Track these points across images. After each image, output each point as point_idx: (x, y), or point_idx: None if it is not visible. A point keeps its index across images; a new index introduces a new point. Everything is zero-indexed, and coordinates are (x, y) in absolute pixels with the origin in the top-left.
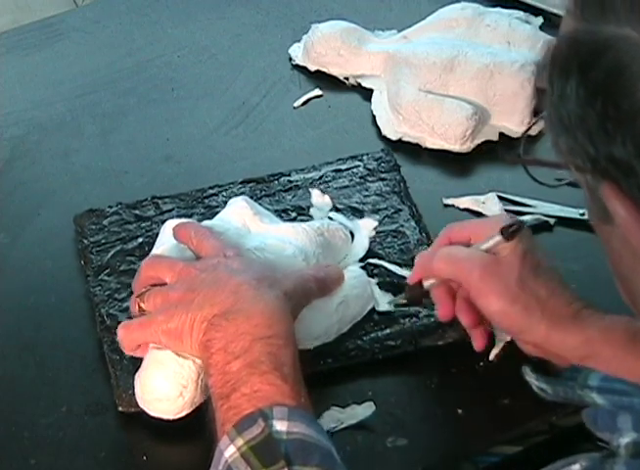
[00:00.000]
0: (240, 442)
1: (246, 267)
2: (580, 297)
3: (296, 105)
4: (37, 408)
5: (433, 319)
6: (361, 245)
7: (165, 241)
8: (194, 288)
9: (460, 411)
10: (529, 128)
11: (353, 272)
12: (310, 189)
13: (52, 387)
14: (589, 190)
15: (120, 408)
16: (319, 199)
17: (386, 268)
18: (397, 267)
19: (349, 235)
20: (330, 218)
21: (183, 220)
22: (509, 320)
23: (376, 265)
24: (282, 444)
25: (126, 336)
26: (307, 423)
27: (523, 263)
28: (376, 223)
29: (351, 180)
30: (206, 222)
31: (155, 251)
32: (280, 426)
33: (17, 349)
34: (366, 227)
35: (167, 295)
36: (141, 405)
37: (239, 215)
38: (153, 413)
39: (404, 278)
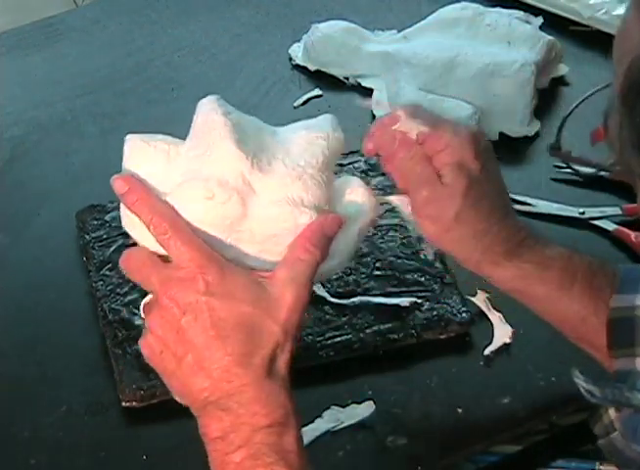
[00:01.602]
0: None
1: (230, 313)
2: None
3: (295, 105)
4: (37, 408)
5: (435, 313)
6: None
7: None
8: (177, 343)
9: (460, 411)
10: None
11: (356, 192)
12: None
13: (52, 387)
14: None
15: (124, 404)
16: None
17: (375, 303)
18: (384, 298)
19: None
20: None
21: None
22: (441, 244)
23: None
24: None
25: None
26: None
27: (466, 196)
28: None
29: (353, 175)
30: (194, 185)
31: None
32: None
33: (17, 348)
34: None
35: (150, 324)
36: None
37: (235, 170)
38: None
39: (397, 306)
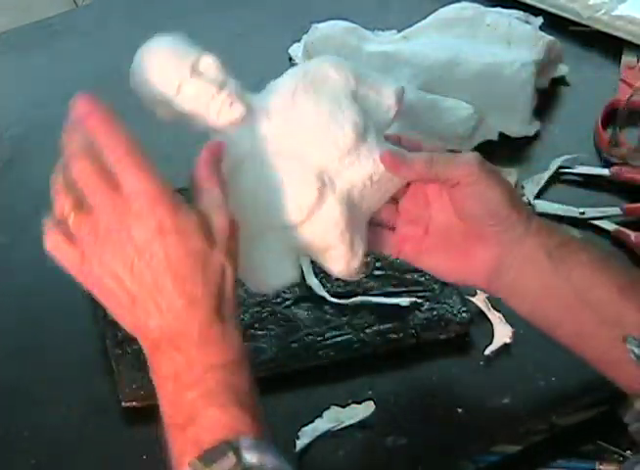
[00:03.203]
0: None
1: (185, 251)
2: None
3: None
4: (37, 408)
5: (435, 313)
6: None
7: None
8: (132, 281)
9: (460, 411)
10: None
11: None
12: None
13: (52, 387)
14: None
15: (124, 404)
16: None
17: (375, 303)
18: (384, 298)
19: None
20: None
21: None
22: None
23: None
24: None
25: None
26: (275, 455)
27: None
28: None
29: None
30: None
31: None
32: (251, 458)
33: (17, 348)
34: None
35: (102, 258)
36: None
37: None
38: None
39: (397, 306)
